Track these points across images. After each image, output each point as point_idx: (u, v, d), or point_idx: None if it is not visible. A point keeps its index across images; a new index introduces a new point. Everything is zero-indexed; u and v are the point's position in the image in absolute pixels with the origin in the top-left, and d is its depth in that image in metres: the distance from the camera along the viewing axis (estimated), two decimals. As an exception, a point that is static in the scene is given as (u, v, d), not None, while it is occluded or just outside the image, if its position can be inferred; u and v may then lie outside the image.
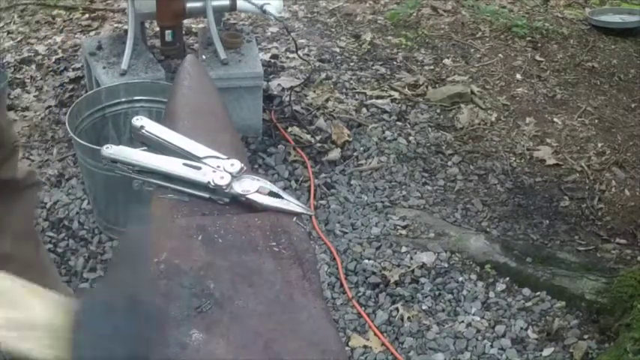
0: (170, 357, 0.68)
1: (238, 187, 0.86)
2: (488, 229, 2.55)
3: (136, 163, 0.86)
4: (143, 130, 0.93)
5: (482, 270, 2.36)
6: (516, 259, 2.37)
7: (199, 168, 0.87)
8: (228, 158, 0.88)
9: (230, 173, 0.86)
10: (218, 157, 0.88)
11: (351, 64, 3.47)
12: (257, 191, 0.86)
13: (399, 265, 2.36)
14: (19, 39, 3.50)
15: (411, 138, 2.98)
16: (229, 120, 1.11)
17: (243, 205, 0.86)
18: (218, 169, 0.87)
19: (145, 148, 0.93)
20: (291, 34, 3.35)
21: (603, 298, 2.21)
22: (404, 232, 2.50)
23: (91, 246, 2.36)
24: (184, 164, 0.86)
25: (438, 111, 3.16)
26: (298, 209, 0.85)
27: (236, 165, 0.87)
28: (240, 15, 3.65)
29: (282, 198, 0.86)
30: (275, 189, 0.87)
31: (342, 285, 2.28)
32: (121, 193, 2.22)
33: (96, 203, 2.41)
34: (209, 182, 0.85)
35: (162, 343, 0.69)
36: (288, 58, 3.46)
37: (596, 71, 3.55)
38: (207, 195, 0.86)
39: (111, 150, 0.88)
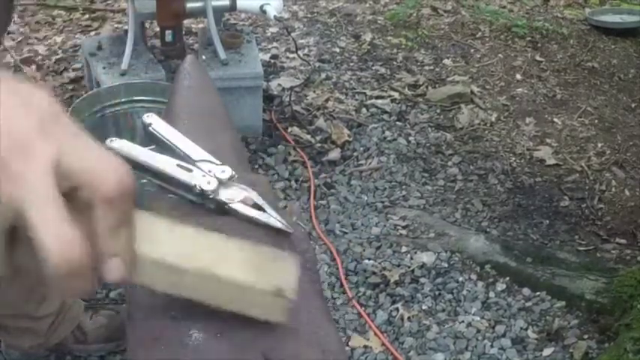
0: (170, 357, 0.68)
1: (223, 195, 0.85)
2: (488, 229, 2.55)
3: (132, 158, 0.85)
4: (150, 128, 0.92)
5: (483, 270, 2.36)
6: (516, 259, 2.37)
7: (190, 170, 0.86)
8: (221, 164, 0.87)
9: (218, 179, 0.85)
10: (211, 162, 0.87)
11: (351, 64, 3.47)
12: (241, 201, 0.85)
13: (399, 265, 2.36)
14: (19, 39, 3.50)
15: (411, 138, 2.98)
16: (229, 120, 1.11)
17: (226, 212, 0.85)
18: (209, 173, 0.86)
19: (153, 147, 0.92)
20: (291, 34, 3.35)
21: (603, 298, 2.21)
22: (404, 232, 2.50)
23: (91, 246, 2.36)
24: (177, 165, 0.86)
25: (438, 111, 3.16)
26: (278, 225, 0.84)
27: (227, 172, 0.86)
28: (240, 15, 3.65)
29: (265, 211, 0.85)
30: (260, 202, 0.86)
31: (342, 285, 2.28)
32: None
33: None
34: (195, 186, 0.84)
35: (162, 342, 0.69)
36: (288, 58, 3.46)
37: (596, 71, 3.55)
38: (194, 198, 0.85)
39: (115, 144, 0.87)
